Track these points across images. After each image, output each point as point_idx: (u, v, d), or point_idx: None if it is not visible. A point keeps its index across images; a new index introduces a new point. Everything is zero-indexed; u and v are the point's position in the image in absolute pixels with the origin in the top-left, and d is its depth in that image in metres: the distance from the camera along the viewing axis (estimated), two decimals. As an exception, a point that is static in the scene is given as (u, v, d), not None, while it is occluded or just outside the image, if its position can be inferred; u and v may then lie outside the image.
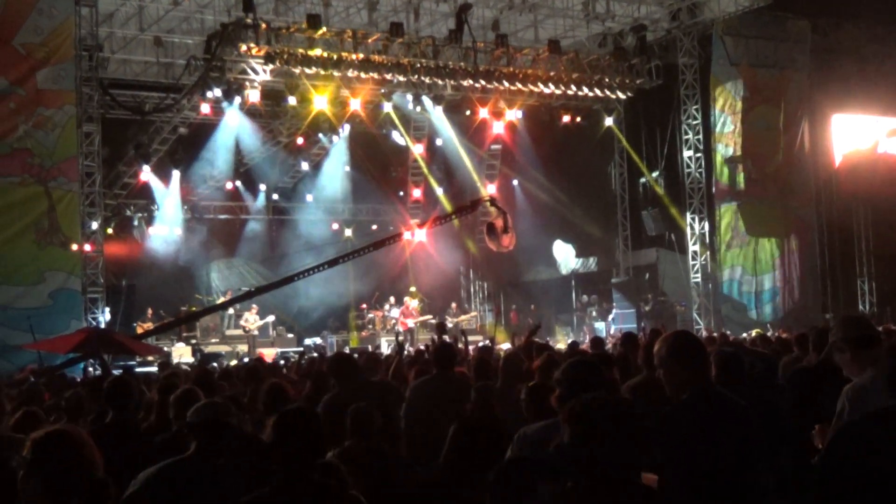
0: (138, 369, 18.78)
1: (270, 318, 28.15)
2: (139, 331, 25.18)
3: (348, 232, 33.59)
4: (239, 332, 27.82)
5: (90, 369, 18.55)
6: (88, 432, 6.70)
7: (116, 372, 13.91)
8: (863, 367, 5.45)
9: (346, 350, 24.13)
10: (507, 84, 25.37)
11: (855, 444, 3.75)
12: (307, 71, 23.37)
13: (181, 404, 6.47)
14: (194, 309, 28.44)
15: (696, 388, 4.83)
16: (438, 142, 30.58)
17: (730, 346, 9.48)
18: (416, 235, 26.86)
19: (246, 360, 22.19)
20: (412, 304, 29.82)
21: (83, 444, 3.71)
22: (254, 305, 27.29)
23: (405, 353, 16.91)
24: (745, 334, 21.15)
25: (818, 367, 7.53)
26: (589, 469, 3.67)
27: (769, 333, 20.68)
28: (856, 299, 30.64)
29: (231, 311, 28.09)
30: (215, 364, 19.98)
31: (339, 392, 7.85)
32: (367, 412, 6.37)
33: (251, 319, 27.40)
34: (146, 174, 27.60)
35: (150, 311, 27.68)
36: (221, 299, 29.01)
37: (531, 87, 25.68)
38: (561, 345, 20.68)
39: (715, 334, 17.84)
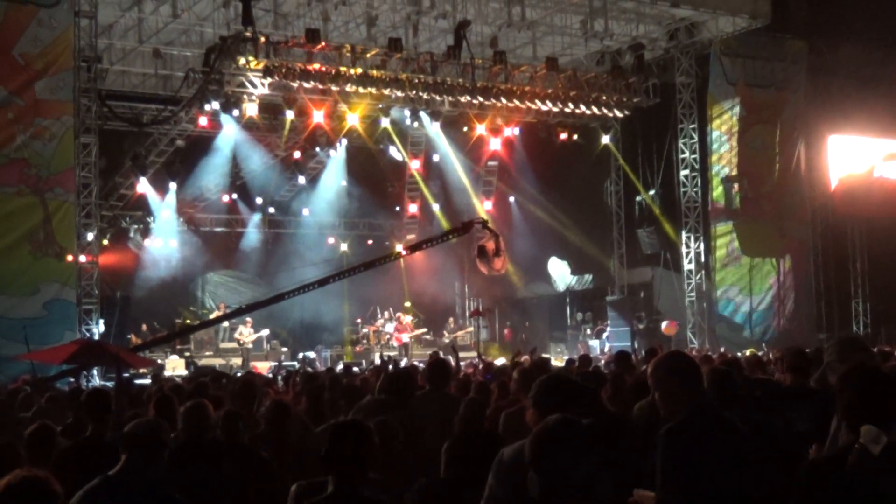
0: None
1: (265, 332, 28.15)
2: (133, 342, 25.13)
3: (344, 246, 33.60)
4: (233, 345, 27.79)
5: (82, 381, 18.53)
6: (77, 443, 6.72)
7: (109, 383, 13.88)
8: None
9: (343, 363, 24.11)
10: (504, 101, 25.41)
11: (822, 484, 3.79)
12: (305, 85, 23.40)
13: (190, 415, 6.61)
14: (188, 322, 28.43)
15: (693, 406, 4.84)
16: (435, 157, 30.64)
17: (729, 365, 9.42)
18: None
19: (239, 373, 22.15)
20: (406, 319, 29.84)
21: (49, 495, 3.77)
22: (248, 318, 27.27)
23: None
24: (738, 353, 21.15)
25: (798, 387, 7.60)
26: (559, 496, 3.63)
27: (761, 353, 20.70)
28: (850, 320, 30.66)
29: (226, 323, 28.05)
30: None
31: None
32: (392, 425, 6.35)
33: (245, 333, 27.39)
34: (143, 186, 27.59)
35: (144, 327, 27.66)
36: (215, 312, 29.01)
37: (528, 104, 25.73)
38: (558, 362, 20.66)
39: (714, 355, 17.82)
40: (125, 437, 5.31)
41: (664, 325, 27.66)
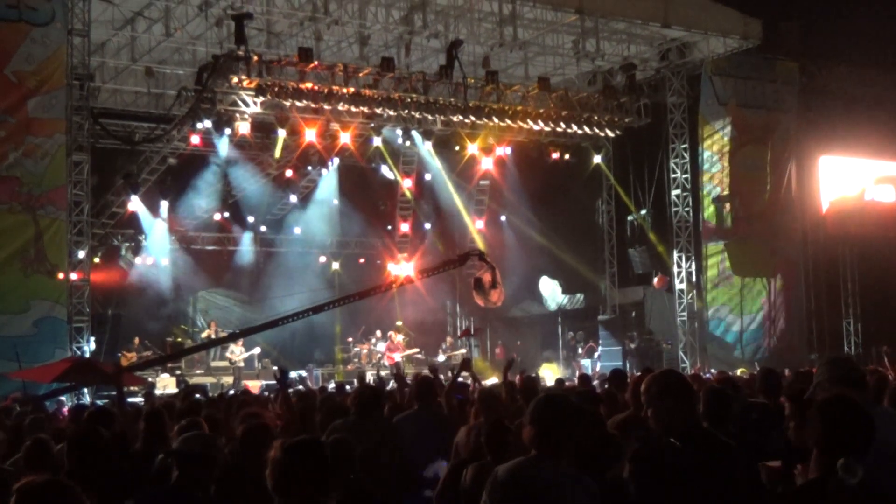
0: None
1: (256, 351, 28.04)
2: (124, 361, 25.03)
3: (336, 265, 33.55)
4: (224, 363, 27.66)
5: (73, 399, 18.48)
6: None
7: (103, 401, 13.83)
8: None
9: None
10: (496, 120, 25.42)
11: None
12: (298, 104, 23.39)
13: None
14: (179, 340, 28.35)
15: (685, 425, 4.84)
16: (427, 176, 30.69)
17: (731, 386, 9.41)
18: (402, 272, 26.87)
19: (231, 392, 22.07)
20: (397, 338, 29.79)
21: (72, 498, 3.49)
22: (240, 337, 27.20)
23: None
24: (729, 373, 21.15)
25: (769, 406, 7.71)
26: None
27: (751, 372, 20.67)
28: (841, 340, 30.68)
29: (217, 341, 27.97)
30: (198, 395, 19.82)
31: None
32: (348, 445, 6.30)
33: (237, 351, 27.29)
34: (134, 204, 27.52)
35: (136, 341, 27.54)
36: (206, 331, 28.95)
37: (520, 123, 25.72)
38: (549, 381, 20.62)
39: (706, 374, 17.81)
40: (177, 452, 5.27)
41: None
